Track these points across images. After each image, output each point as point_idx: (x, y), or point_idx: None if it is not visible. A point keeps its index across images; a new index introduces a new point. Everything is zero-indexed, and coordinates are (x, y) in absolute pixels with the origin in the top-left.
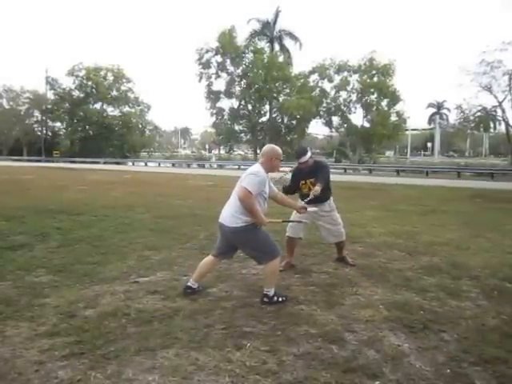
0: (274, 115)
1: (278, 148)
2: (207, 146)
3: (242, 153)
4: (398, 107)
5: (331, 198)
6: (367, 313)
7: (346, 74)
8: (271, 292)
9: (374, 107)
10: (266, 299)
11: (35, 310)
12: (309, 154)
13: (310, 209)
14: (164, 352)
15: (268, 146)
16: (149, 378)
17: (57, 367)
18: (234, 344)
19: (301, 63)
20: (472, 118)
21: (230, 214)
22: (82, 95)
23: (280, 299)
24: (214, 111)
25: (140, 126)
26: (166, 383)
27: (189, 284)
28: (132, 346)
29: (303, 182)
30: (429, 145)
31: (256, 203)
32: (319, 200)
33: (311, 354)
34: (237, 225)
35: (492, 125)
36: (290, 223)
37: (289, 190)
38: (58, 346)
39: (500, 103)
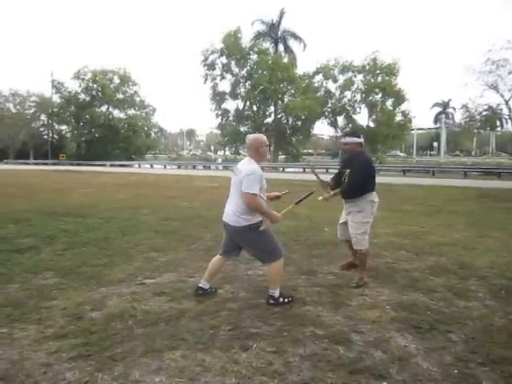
0: (279, 116)
1: (260, 135)
2: (212, 148)
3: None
4: (403, 107)
5: (367, 198)
6: (374, 313)
7: (350, 74)
8: (276, 293)
9: (379, 107)
10: (271, 300)
11: (43, 312)
12: (356, 139)
13: (281, 193)
14: (170, 353)
15: (250, 138)
16: (156, 379)
17: (64, 369)
18: (241, 345)
19: (305, 64)
20: (478, 116)
21: (232, 214)
22: (87, 98)
23: (286, 300)
24: (219, 112)
25: (145, 128)
26: None
27: (200, 285)
28: (139, 348)
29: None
30: (435, 144)
31: (261, 202)
32: (344, 196)
33: (317, 354)
34: (239, 224)
35: (498, 123)
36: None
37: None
38: (66, 348)
39: (506, 102)
